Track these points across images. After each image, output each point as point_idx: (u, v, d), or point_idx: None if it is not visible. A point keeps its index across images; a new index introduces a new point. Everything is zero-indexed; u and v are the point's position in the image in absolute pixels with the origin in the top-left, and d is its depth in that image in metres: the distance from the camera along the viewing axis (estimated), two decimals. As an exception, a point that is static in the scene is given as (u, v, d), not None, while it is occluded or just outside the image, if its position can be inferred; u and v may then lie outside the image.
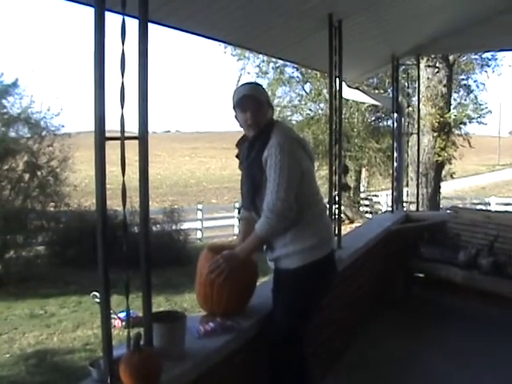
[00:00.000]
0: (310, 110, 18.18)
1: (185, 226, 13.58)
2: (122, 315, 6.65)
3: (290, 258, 2.60)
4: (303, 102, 18.18)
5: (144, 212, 2.00)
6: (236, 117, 2.69)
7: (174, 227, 12.83)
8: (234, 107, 2.66)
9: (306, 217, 2.59)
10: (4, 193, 11.16)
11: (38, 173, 11.74)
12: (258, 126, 2.61)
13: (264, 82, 17.88)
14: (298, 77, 17.86)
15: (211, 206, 20.10)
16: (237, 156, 2.79)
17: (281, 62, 15.27)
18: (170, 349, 2.12)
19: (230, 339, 2.40)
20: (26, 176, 11.63)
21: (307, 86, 18.15)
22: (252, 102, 2.60)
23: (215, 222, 16.37)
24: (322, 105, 17.16)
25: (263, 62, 17.12)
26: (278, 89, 17.87)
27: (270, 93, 17.80)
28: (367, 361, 4.06)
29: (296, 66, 15.45)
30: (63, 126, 12.30)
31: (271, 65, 17.26)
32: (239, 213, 2.85)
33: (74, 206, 12.42)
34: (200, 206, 17.27)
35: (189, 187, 31.93)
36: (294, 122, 18.24)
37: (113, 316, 6.43)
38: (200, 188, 31.46)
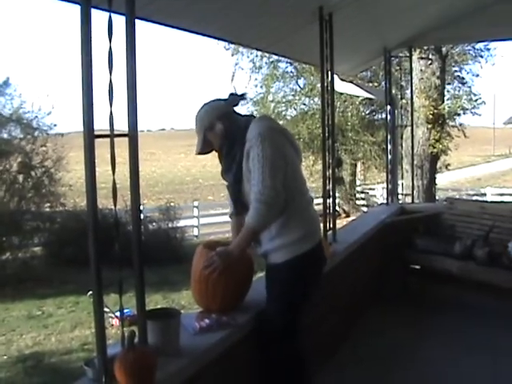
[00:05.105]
0: (304, 104, 18.19)
1: (181, 223, 13.61)
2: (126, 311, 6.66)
3: (277, 253, 2.59)
4: (297, 97, 18.16)
5: (135, 209, 2.00)
6: None
7: (170, 225, 12.87)
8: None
9: (292, 208, 2.55)
10: (-2, 194, 11.16)
11: (33, 173, 11.73)
12: (226, 139, 2.60)
13: (258, 77, 17.91)
14: (291, 72, 17.87)
15: (208, 203, 20.06)
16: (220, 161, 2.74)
17: (275, 56, 15.23)
18: (165, 346, 2.11)
19: (225, 335, 2.39)
20: (21, 177, 11.62)
21: (301, 81, 18.15)
22: (206, 143, 2.64)
23: (212, 219, 16.35)
24: (316, 99, 17.15)
25: (257, 56, 17.10)
26: (272, 84, 17.85)
27: (264, 88, 17.78)
28: (364, 354, 4.06)
29: (289, 60, 15.44)
30: (55, 125, 12.33)
31: (265, 60, 17.24)
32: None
33: (70, 206, 12.40)
34: (196, 204, 17.27)
35: (185, 184, 31.88)
36: (288, 117, 18.24)
37: (110, 315, 6.41)
38: (196, 185, 31.39)
